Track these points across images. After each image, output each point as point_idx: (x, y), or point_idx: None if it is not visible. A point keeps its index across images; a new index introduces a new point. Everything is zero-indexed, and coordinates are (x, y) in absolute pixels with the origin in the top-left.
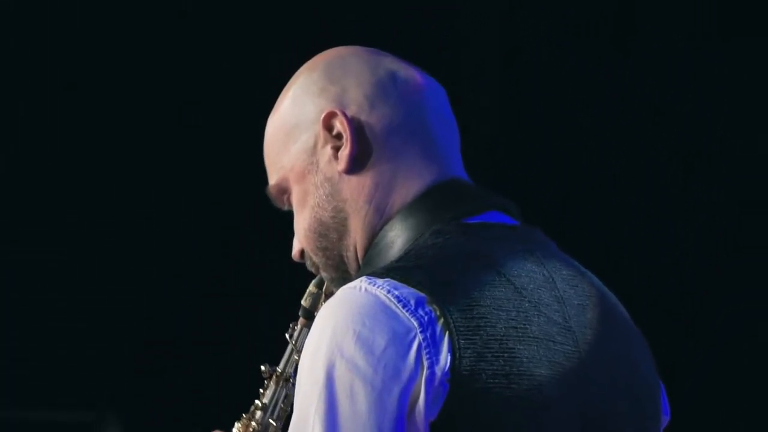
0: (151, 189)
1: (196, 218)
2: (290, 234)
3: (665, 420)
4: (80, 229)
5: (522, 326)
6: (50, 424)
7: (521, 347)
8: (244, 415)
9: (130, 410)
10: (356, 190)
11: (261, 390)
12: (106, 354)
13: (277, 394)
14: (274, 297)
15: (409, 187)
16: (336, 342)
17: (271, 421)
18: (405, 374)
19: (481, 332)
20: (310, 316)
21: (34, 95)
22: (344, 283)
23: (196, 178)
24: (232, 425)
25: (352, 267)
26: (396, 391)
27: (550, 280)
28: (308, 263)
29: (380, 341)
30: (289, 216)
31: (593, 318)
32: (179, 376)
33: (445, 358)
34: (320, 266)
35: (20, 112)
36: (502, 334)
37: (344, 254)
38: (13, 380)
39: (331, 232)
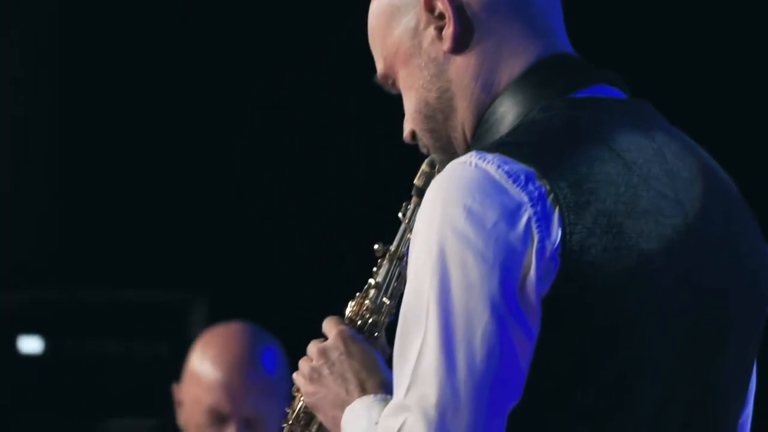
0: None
1: (301, 96)
2: (402, 115)
3: None
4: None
5: (631, 201)
6: (141, 304)
7: (630, 222)
8: (357, 294)
9: (221, 291)
10: (461, 69)
11: (374, 269)
12: (198, 235)
13: (390, 273)
14: (387, 176)
15: (514, 64)
16: (447, 216)
17: (384, 299)
18: (516, 248)
19: (591, 207)
20: (422, 195)
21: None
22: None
23: None
24: (346, 305)
25: (460, 148)
26: (507, 264)
27: (660, 153)
28: (420, 144)
29: (491, 215)
30: (399, 97)
31: (703, 192)
32: (285, 256)
33: (555, 232)
34: (430, 147)
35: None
36: (611, 209)
37: (452, 135)
38: (106, 261)
39: (437, 113)
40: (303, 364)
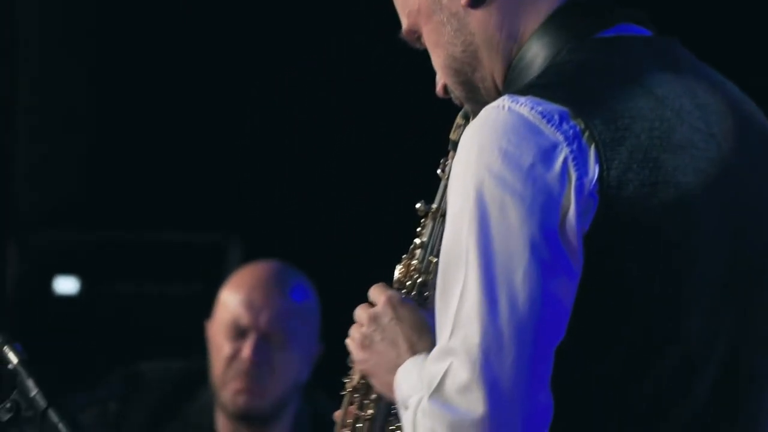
0: None
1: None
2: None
3: None
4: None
5: (665, 135)
6: (176, 245)
7: (666, 156)
8: (404, 255)
9: (253, 233)
10: (483, 21)
11: (418, 229)
12: (234, 176)
13: (435, 231)
14: (423, 134)
15: (538, 9)
16: (483, 160)
17: (431, 258)
18: (554, 188)
19: (626, 143)
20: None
21: None
22: None
23: None
24: (393, 268)
25: (491, 97)
26: (546, 204)
27: (690, 88)
28: (452, 97)
29: (527, 157)
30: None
31: (734, 124)
32: (323, 200)
33: (592, 170)
34: (462, 99)
35: None
36: (646, 144)
37: (482, 86)
38: (141, 202)
39: (464, 66)
40: (354, 331)
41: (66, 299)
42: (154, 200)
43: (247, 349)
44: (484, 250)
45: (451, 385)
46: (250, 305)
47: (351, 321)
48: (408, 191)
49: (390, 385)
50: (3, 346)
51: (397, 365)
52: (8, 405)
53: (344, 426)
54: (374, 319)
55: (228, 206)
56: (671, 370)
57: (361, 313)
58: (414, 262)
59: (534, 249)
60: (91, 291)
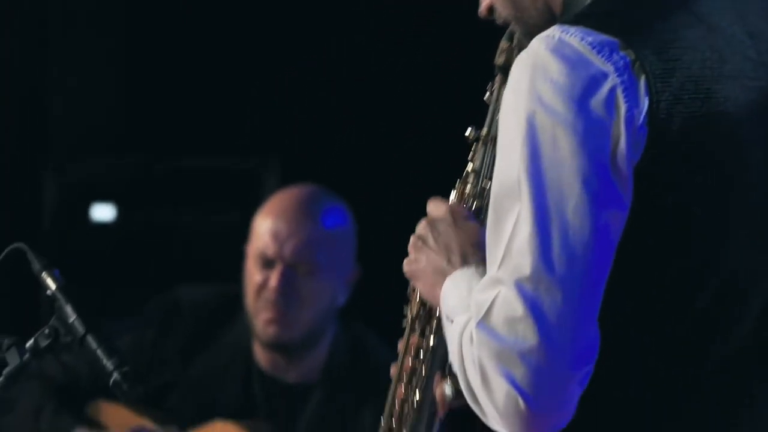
0: None
1: None
2: None
3: None
4: None
5: (716, 66)
6: (213, 171)
7: (717, 87)
8: (457, 181)
9: (291, 159)
10: None
11: (470, 155)
12: (272, 101)
13: (486, 156)
14: (469, 57)
15: None
16: (534, 91)
17: (484, 183)
18: (604, 119)
19: (677, 74)
20: (506, 72)
21: None
22: (536, 34)
23: None
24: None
25: (541, 19)
26: (597, 135)
27: (741, 15)
28: (497, 17)
29: (577, 88)
30: None
31: None
32: (364, 125)
33: (642, 101)
34: (510, 19)
35: None
36: (697, 74)
37: (532, 6)
38: (178, 128)
39: None
40: (412, 237)
41: (102, 227)
42: (191, 126)
43: (273, 280)
44: (536, 183)
45: (498, 315)
46: (276, 235)
47: (391, 245)
48: (453, 115)
49: (434, 289)
50: (42, 272)
51: (445, 271)
52: (47, 331)
53: (407, 354)
54: (432, 223)
55: (265, 131)
56: (715, 304)
57: (422, 221)
58: (467, 188)
59: (585, 181)
60: (127, 218)
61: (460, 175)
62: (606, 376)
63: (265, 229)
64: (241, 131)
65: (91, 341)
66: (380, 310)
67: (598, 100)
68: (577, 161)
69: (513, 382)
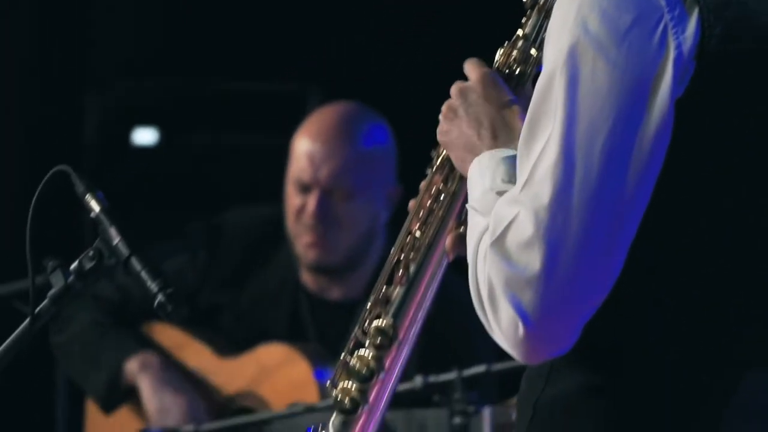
0: None
1: None
2: None
3: None
4: None
5: None
6: (255, 95)
7: None
8: (506, 43)
9: (333, 82)
10: None
11: (522, 20)
12: (314, 24)
13: (538, 25)
14: None
15: None
16: (581, 17)
17: (532, 51)
18: (649, 54)
19: (730, 9)
20: None
21: None
22: None
23: None
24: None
25: None
26: (638, 70)
27: None
28: None
29: (626, 19)
30: None
31: None
32: (406, 46)
33: (692, 36)
34: None
35: None
36: (752, 9)
37: None
38: (221, 52)
39: None
40: (444, 104)
41: (144, 150)
42: (233, 50)
43: (310, 205)
44: (570, 111)
45: (513, 238)
46: (311, 159)
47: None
48: (502, 35)
49: (464, 164)
50: (85, 195)
51: (475, 146)
52: (91, 253)
53: (427, 193)
54: (463, 93)
55: (307, 54)
56: (748, 248)
57: (454, 85)
58: (515, 52)
59: (618, 118)
60: (169, 142)
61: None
62: (628, 322)
63: (300, 152)
64: (285, 55)
65: (135, 263)
66: None
67: (644, 34)
68: (613, 98)
69: (518, 307)
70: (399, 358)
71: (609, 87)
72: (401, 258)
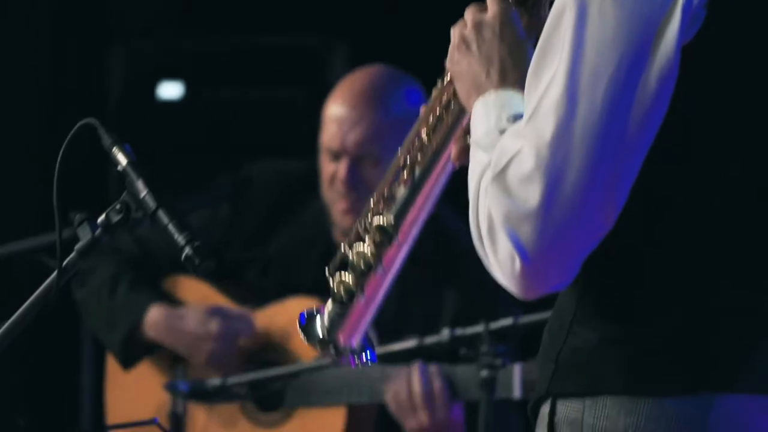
0: None
1: None
2: None
3: None
4: None
5: None
6: (280, 49)
7: None
8: None
9: (358, 36)
10: None
11: None
12: None
13: None
14: None
15: None
16: None
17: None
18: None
19: None
20: None
21: None
22: None
23: None
24: None
25: None
26: (646, 13)
27: None
28: None
29: None
30: None
31: None
32: None
33: None
34: None
35: None
36: None
37: None
38: (245, 6)
39: None
40: (456, 30)
41: (169, 104)
42: (259, 4)
43: (341, 173)
44: (576, 50)
45: (514, 172)
46: (340, 127)
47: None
48: None
49: (469, 99)
50: (112, 148)
51: (483, 85)
52: (118, 206)
53: (438, 101)
54: (478, 27)
55: (332, 8)
56: (751, 194)
57: (470, 12)
58: None
59: (623, 60)
60: (194, 96)
61: None
62: (647, 269)
63: (330, 119)
64: (310, 9)
65: (163, 216)
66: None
67: None
68: (620, 37)
69: (516, 242)
70: (397, 257)
71: (615, 27)
72: (407, 163)
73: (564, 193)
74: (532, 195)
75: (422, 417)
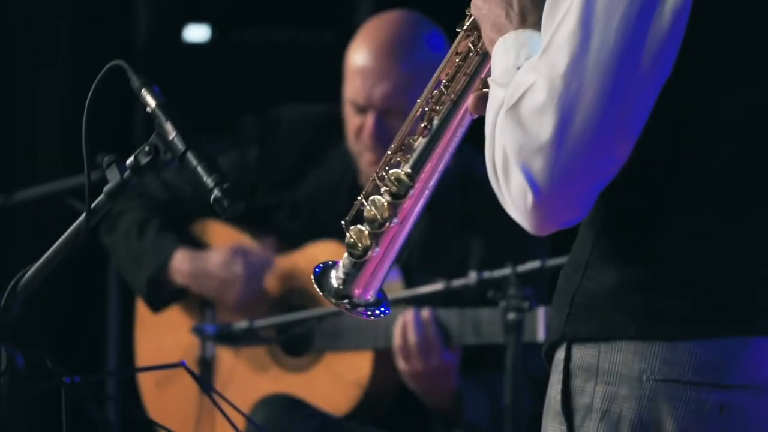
0: None
1: None
2: None
3: None
4: None
5: None
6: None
7: None
8: None
9: None
10: None
11: None
12: None
13: None
14: None
15: None
16: None
17: None
18: None
19: None
20: None
21: None
22: None
23: None
24: None
25: None
26: None
27: None
28: None
29: None
30: None
31: None
32: None
33: None
34: None
35: None
36: None
37: None
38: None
39: None
40: None
41: (196, 47)
42: None
43: (367, 126)
44: None
45: (527, 105)
46: (364, 81)
47: None
48: None
49: (491, 42)
50: (141, 89)
51: (503, 26)
52: (147, 148)
53: (455, 53)
54: None
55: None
56: (755, 148)
57: None
58: None
59: None
60: (221, 39)
61: None
62: (661, 212)
63: (353, 71)
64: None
65: (191, 158)
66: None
67: None
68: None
69: (528, 175)
70: (414, 209)
71: None
72: (425, 111)
73: (576, 126)
74: (545, 127)
75: (416, 363)
